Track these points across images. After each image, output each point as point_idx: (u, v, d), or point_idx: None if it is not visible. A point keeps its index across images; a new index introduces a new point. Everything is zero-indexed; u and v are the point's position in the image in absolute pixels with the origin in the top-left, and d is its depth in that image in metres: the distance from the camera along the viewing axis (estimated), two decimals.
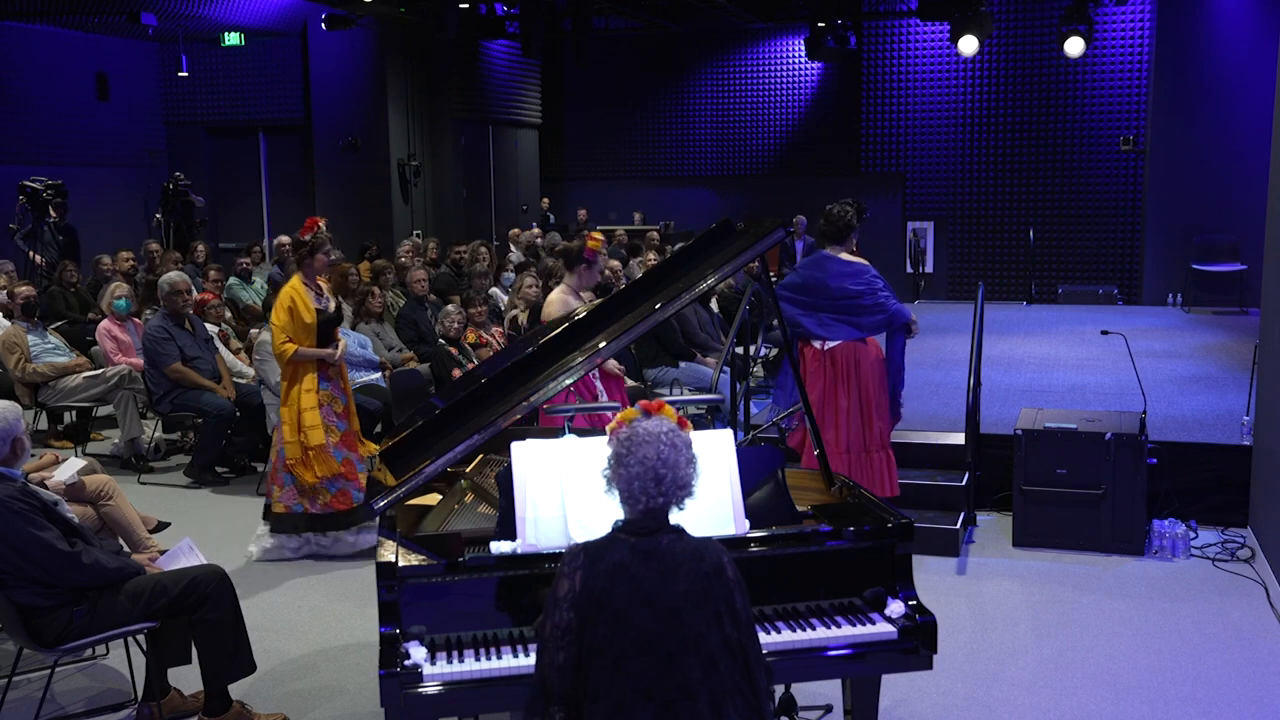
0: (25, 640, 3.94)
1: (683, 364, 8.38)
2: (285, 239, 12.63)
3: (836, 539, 3.29)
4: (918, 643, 3.20)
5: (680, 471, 2.63)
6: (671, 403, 2.79)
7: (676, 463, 2.62)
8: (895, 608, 3.25)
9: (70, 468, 5.25)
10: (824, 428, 5.68)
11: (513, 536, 3.18)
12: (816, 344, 5.84)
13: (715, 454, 3.26)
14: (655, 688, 2.49)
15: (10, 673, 4.36)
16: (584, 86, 18.14)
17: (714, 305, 9.86)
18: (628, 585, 2.53)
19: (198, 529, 6.31)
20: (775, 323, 5.93)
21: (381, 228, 15.03)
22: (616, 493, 2.66)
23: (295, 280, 6.10)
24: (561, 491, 3.19)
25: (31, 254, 11.64)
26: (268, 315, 7.62)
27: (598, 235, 5.86)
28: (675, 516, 2.67)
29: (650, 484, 2.60)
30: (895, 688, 4.26)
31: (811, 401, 5.59)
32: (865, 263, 5.93)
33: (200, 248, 12.20)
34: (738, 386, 7.21)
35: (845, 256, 5.89)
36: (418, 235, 14.49)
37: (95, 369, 8.19)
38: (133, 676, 4.55)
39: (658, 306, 3.52)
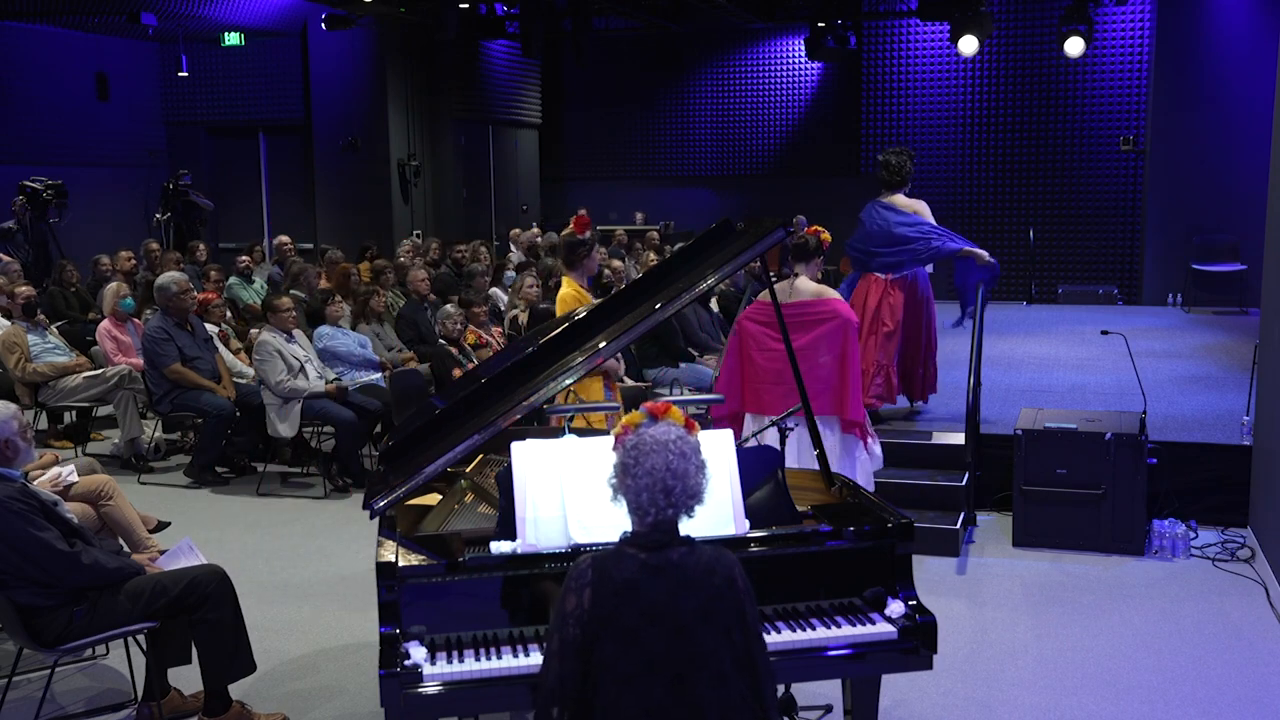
0: (25, 640, 3.94)
1: (683, 364, 8.37)
2: (285, 239, 12.65)
3: (836, 539, 3.29)
4: (918, 643, 3.20)
5: (690, 481, 2.55)
6: (671, 403, 2.76)
7: (686, 472, 2.55)
8: (895, 608, 3.25)
9: (69, 470, 5.24)
10: (896, 343, 6.81)
11: (513, 536, 3.18)
12: (882, 275, 6.82)
13: (715, 454, 3.25)
14: (663, 706, 2.47)
15: (10, 673, 4.36)
16: (584, 86, 18.12)
17: (714, 305, 9.86)
18: (637, 603, 2.48)
19: (198, 529, 6.31)
20: None
21: (381, 228, 15.02)
22: (624, 503, 2.59)
23: (572, 283, 5.52)
24: (561, 491, 3.19)
25: (3, 256, 11.65)
26: (267, 315, 7.62)
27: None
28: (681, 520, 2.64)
29: (659, 495, 2.53)
30: (895, 688, 4.26)
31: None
32: (920, 209, 6.88)
33: (201, 248, 12.19)
34: None
35: (903, 200, 6.87)
36: (418, 235, 14.49)
37: (95, 369, 8.19)
38: (133, 676, 4.55)
39: (658, 306, 3.52)
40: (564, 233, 5.55)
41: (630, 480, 2.56)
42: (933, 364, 7.11)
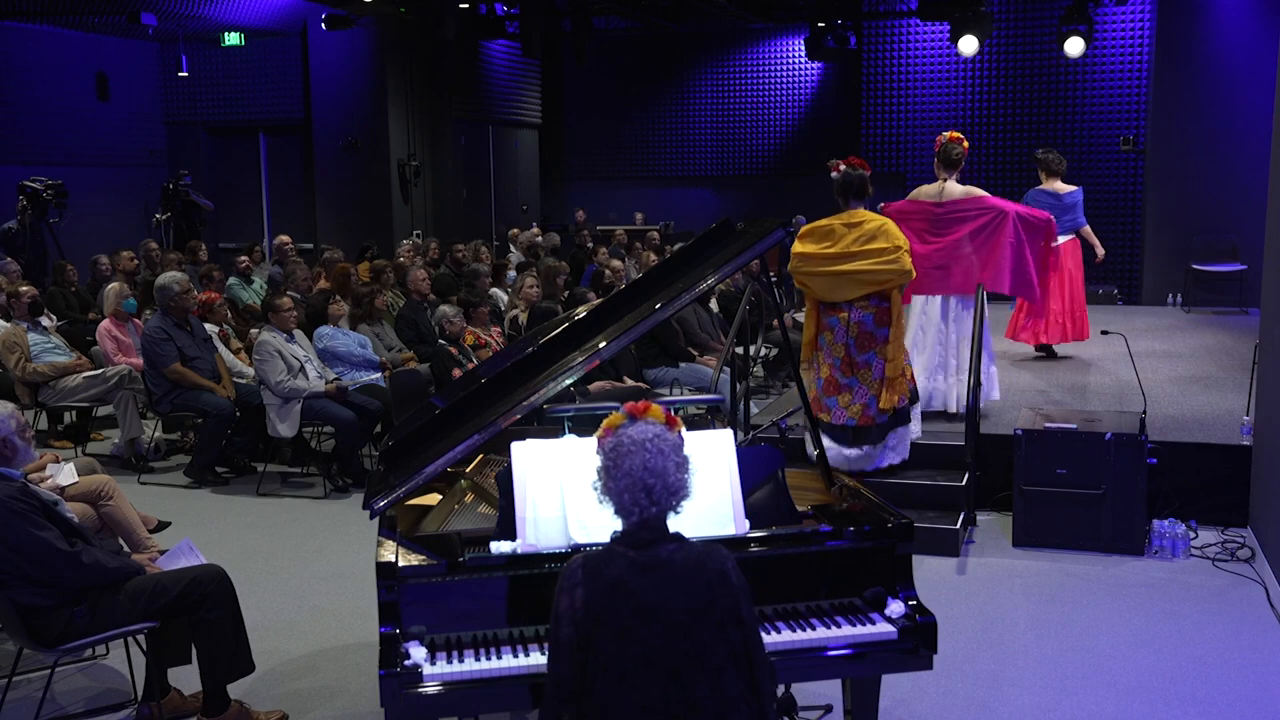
0: (25, 640, 3.94)
1: (683, 364, 8.38)
2: (285, 239, 12.64)
3: (836, 539, 3.29)
4: (918, 643, 3.20)
5: (670, 479, 2.57)
6: (671, 403, 2.76)
7: (665, 470, 2.56)
8: (895, 608, 3.25)
9: (68, 473, 5.24)
10: (1050, 297, 8.23)
11: (513, 536, 3.18)
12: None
13: (715, 454, 3.26)
14: (660, 703, 2.47)
15: (10, 673, 4.36)
16: (584, 86, 18.14)
17: (714, 305, 9.86)
18: (629, 602, 2.49)
19: (198, 529, 6.32)
20: (775, 323, 6.81)
21: (381, 228, 15.03)
22: (610, 505, 2.62)
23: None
24: (561, 491, 3.19)
25: (9, 258, 11.66)
26: (268, 315, 7.63)
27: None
28: (674, 518, 2.64)
29: (640, 495, 2.55)
30: (895, 688, 4.26)
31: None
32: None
33: (201, 248, 12.19)
34: (737, 386, 7.21)
35: (1061, 182, 8.83)
36: (418, 235, 14.50)
37: (95, 369, 8.19)
38: (133, 676, 4.55)
39: (658, 306, 3.52)
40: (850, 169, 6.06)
41: (611, 482, 2.58)
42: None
